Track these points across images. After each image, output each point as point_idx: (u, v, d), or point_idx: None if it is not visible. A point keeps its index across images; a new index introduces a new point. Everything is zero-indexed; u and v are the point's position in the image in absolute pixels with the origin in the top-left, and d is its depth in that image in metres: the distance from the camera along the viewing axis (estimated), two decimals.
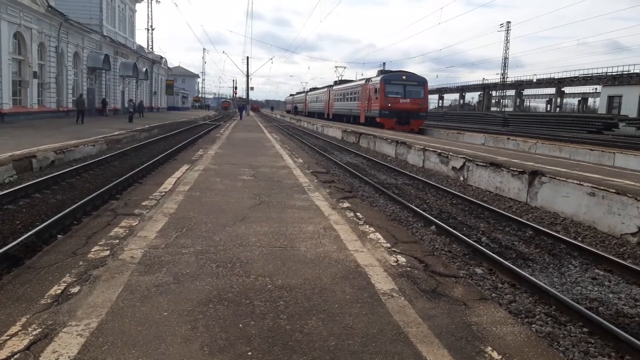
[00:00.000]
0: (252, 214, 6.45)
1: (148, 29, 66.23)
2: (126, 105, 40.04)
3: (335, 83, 53.57)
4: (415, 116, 33.69)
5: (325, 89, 55.34)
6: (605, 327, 4.32)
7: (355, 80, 47.87)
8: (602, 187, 8.46)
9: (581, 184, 8.93)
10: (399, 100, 33.19)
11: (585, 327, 4.46)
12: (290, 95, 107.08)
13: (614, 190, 8.19)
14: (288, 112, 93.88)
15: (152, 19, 68.97)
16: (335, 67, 60.51)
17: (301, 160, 13.63)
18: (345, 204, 7.60)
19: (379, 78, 34.73)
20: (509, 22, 74.70)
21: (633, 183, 9.11)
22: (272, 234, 5.53)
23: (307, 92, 73.59)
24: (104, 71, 38.42)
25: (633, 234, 7.60)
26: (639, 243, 7.43)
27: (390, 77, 34.28)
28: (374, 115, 34.50)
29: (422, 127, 35.43)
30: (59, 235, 6.41)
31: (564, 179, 9.45)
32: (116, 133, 20.72)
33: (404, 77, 34.06)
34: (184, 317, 3.32)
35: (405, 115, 33.09)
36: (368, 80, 37.72)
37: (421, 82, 34.89)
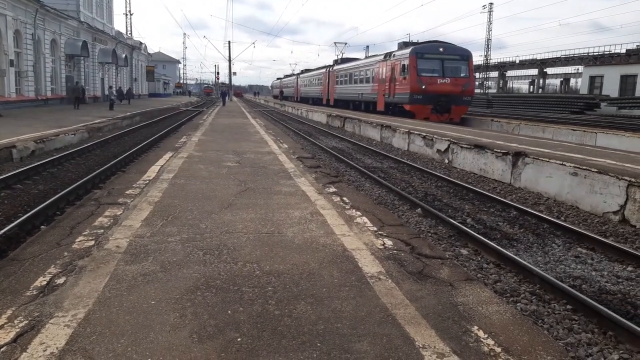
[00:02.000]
0: (238, 201, 6.43)
1: (126, 14, 64.98)
2: (106, 92, 39.35)
3: (336, 62, 45.03)
4: (457, 101, 25.34)
5: (323, 70, 46.81)
6: (588, 304, 4.40)
7: (367, 57, 39.06)
8: (584, 167, 8.58)
9: (564, 164, 9.05)
10: (436, 80, 24.81)
11: (569, 305, 4.55)
12: (278, 79, 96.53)
13: (595, 170, 8.30)
14: (275, 97, 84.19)
15: (130, 3, 67.66)
16: (335, 43, 51.44)
17: (286, 146, 13.58)
18: (332, 189, 7.60)
19: (407, 51, 25.93)
20: (491, 4, 74.52)
21: (614, 162, 9.25)
22: (258, 220, 5.52)
23: (299, 74, 64.56)
24: (82, 58, 37.67)
25: (615, 212, 7.74)
26: (620, 221, 7.57)
27: (424, 50, 25.74)
28: (401, 100, 26.26)
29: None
30: (42, 226, 6.33)
31: (547, 160, 9.56)
32: (97, 121, 20.40)
33: (441, 50, 25.67)
34: (172, 305, 3.31)
35: (445, 100, 24.83)
36: (389, 55, 28.71)
37: (464, 55, 26.29)
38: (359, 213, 6.06)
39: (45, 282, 3.60)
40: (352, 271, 4.05)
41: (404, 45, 28.58)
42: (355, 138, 20.56)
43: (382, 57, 30.06)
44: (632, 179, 7.49)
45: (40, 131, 14.82)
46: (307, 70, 61.24)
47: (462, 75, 25.65)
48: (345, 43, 50.19)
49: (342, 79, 40.05)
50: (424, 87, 24.62)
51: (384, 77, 29.13)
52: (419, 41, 28.96)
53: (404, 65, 25.85)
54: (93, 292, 3.46)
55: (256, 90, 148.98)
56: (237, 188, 7.27)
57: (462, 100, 25.71)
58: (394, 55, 27.87)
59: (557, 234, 6.96)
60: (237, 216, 5.64)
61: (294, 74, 71.18)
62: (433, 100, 24.73)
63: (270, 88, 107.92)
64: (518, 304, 4.56)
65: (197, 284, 3.67)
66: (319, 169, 9.85)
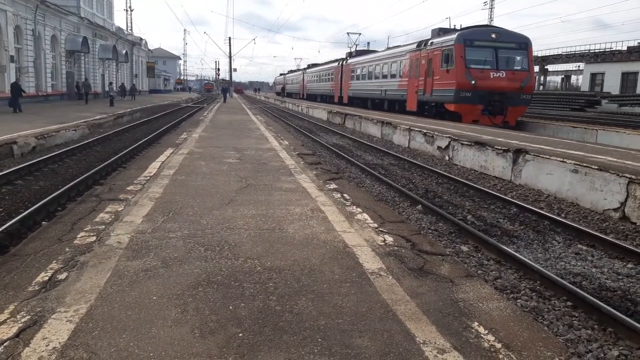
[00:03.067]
0: (238, 197, 6.44)
1: (127, 10, 64.89)
2: (106, 88, 39.32)
3: (350, 55, 39.98)
4: (514, 100, 20.42)
5: (335, 64, 42.10)
6: (588, 300, 4.41)
7: (392, 48, 32.36)
8: (584, 164, 8.58)
9: (564, 161, 9.05)
10: (489, 73, 20.11)
11: (569, 301, 4.56)
12: (281, 74, 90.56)
13: (596, 167, 8.30)
14: (278, 94, 79.49)
15: None
16: (348, 33, 48.25)
17: (287, 142, 13.58)
18: (332, 185, 7.61)
19: (451, 37, 21.18)
20: (492, 0, 74.37)
21: (615, 159, 9.25)
22: (259, 216, 5.52)
23: (305, 69, 59.41)
24: (82, 54, 37.63)
25: (615, 210, 7.74)
26: (620, 218, 7.58)
27: (474, 36, 20.94)
28: (443, 99, 21.55)
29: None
30: (43, 222, 6.33)
31: (548, 157, 9.56)
32: (98, 117, 20.40)
33: (493, 36, 20.85)
34: (174, 300, 3.32)
35: (500, 99, 20.14)
36: (424, 43, 23.99)
37: (523, 42, 21.21)
38: (359, 210, 6.07)
39: (47, 278, 3.61)
40: (352, 267, 4.06)
41: (440, 32, 24.04)
42: (356, 135, 20.56)
43: (415, 46, 25.37)
44: (633, 176, 7.49)
45: (41, 127, 14.81)
46: (314, 65, 55.16)
47: (520, 67, 20.91)
48: (360, 34, 45.88)
49: (360, 73, 34.72)
50: (474, 82, 19.82)
51: (416, 70, 24.41)
52: (462, 26, 24.59)
53: (447, 55, 20.94)
54: (95, 287, 3.47)
55: (257, 86, 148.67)
56: (238, 184, 7.28)
57: (520, 99, 20.79)
58: (432, 43, 22.98)
59: (557, 231, 6.97)
60: (238, 212, 5.65)
61: (299, 69, 65.79)
62: (485, 98, 20.09)
63: (272, 84, 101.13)
64: (518, 301, 4.57)
65: (198, 279, 3.68)
66: (319, 166, 9.85)
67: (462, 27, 24.33)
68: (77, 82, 36.00)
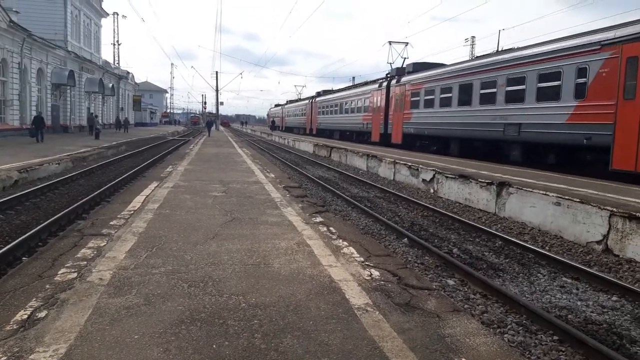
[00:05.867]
0: (223, 231, 6.39)
1: (114, 44, 65.25)
2: (93, 122, 39.26)
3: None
4: None
5: (367, 89, 30.56)
6: (574, 334, 4.41)
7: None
8: (567, 197, 8.70)
9: (547, 194, 9.16)
10: None
11: (556, 336, 4.55)
12: (277, 105, 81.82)
13: (578, 200, 8.42)
14: (273, 128, 71.22)
15: (118, 33, 68.03)
16: (389, 42, 31.57)
17: (273, 175, 13.59)
18: (318, 219, 7.60)
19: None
20: (473, 37, 76.63)
21: (596, 192, 9.40)
22: (244, 251, 5.48)
23: (313, 98, 48.13)
24: (68, 87, 37.66)
25: (598, 242, 7.82)
26: (604, 251, 7.65)
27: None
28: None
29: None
30: (23, 258, 6.20)
31: (531, 190, 9.68)
32: (82, 150, 20.28)
33: None
34: (156, 339, 3.24)
35: None
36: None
37: None
38: (345, 243, 6.05)
39: (26, 316, 3.52)
40: (339, 303, 4.02)
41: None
42: (341, 167, 20.66)
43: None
44: (614, 209, 7.61)
45: (24, 160, 14.67)
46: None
47: None
48: (407, 43, 32.39)
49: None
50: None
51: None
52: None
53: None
54: (75, 326, 3.38)
55: (243, 119, 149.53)
56: (223, 218, 7.23)
57: None
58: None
59: (542, 264, 7.00)
60: (222, 247, 5.59)
61: (300, 100, 61.22)
62: None
63: (267, 118, 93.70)
64: (505, 335, 4.55)
65: (181, 317, 3.61)
66: (305, 199, 9.86)
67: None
68: (88, 115, 37.41)
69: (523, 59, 15.58)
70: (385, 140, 27.07)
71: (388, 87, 27.11)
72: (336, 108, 37.72)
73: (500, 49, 21.34)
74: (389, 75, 28.51)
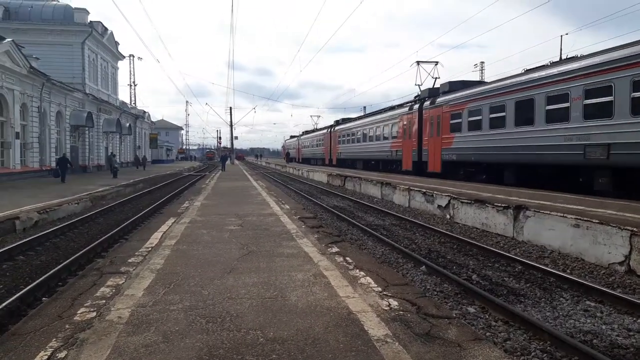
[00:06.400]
0: (240, 265, 6.40)
1: (130, 85, 67.10)
2: (111, 161, 39.99)
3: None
4: None
5: (395, 113, 28.22)
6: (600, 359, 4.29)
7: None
8: (585, 219, 8.58)
9: (565, 216, 9.05)
10: None
11: None
12: (292, 137, 77.13)
13: (597, 221, 8.30)
14: (289, 160, 68.08)
15: (134, 74, 70.03)
16: (417, 62, 28.71)
17: (288, 207, 13.64)
18: (334, 249, 7.58)
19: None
20: (482, 63, 77.09)
21: (615, 212, 9.26)
22: (261, 284, 5.47)
23: (332, 127, 44.84)
24: (87, 128, 38.53)
25: (620, 263, 7.66)
26: (626, 272, 7.49)
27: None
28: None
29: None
30: (44, 298, 6.27)
31: (548, 212, 9.57)
32: (100, 189, 20.60)
33: None
34: None
35: None
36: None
37: None
38: (362, 273, 6.02)
39: (46, 357, 3.54)
40: (357, 335, 3.98)
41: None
42: (356, 196, 20.64)
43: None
44: (635, 229, 7.48)
45: (44, 201, 14.93)
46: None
47: None
48: (437, 62, 28.78)
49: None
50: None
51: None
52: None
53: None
54: None
55: (258, 152, 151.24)
56: (239, 252, 7.25)
57: None
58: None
59: (564, 288, 6.86)
60: (239, 281, 5.60)
61: (326, 127, 53.50)
62: None
63: (283, 149, 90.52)
64: None
65: (199, 354, 3.60)
66: (321, 229, 9.85)
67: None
68: (108, 155, 38.29)
69: (607, 64, 12.77)
70: (419, 169, 24.54)
71: (420, 109, 24.59)
72: (359, 136, 35.27)
73: (562, 58, 18.64)
74: (417, 98, 26.70)
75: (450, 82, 23.25)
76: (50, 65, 33.33)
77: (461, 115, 20.29)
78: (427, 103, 24.05)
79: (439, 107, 22.40)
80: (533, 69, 16.67)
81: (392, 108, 30.76)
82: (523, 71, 17.13)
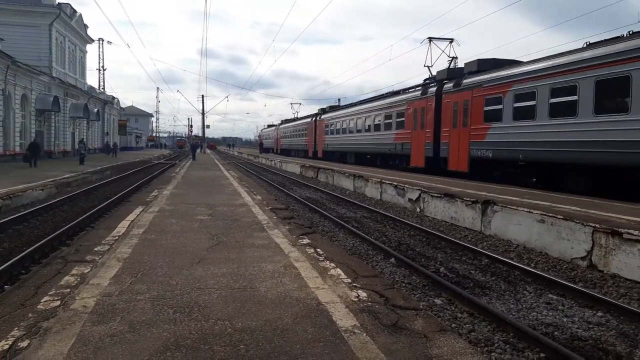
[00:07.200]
0: (209, 255, 6.35)
1: (99, 70, 65.35)
2: (76, 146, 38.99)
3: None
4: None
5: (402, 99, 23.81)
6: (561, 351, 4.43)
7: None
8: (550, 214, 8.80)
9: (531, 212, 9.27)
10: None
11: (543, 353, 4.56)
12: (269, 126, 73.18)
13: (562, 217, 8.53)
14: (263, 151, 65.03)
15: (103, 59, 68.28)
16: (429, 39, 23.63)
17: (260, 197, 13.58)
18: (305, 240, 7.59)
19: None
20: (455, 58, 77.79)
21: (579, 209, 9.53)
22: (230, 275, 5.44)
23: (317, 115, 40.80)
24: (53, 113, 37.45)
25: (582, 258, 7.90)
26: (588, 267, 7.73)
27: None
28: None
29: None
30: (6, 286, 6.10)
31: (515, 207, 9.79)
32: (66, 176, 20.09)
33: None
34: None
35: None
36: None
37: None
38: (333, 265, 6.05)
39: (7, 346, 3.45)
40: (326, 325, 4.01)
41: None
42: (328, 188, 20.69)
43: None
44: (597, 225, 7.71)
45: (7, 187, 14.49)
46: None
47: None
48: (452, 40, 24.50)
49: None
50: None
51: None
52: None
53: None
54: (58, 355, 3.32)
55: (230, 142, 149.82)
56: (209, 242, 7.19)
57: None
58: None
59: (528, 281, 7.05)
60: (208, 271, 5.55)
61: (316, 114, 44.86)
62: None
63: (259, 139, 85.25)
64: (492, 354, 4.55)
65: (166, 344, 3.56)
66: (292, 220, 9.85)
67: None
68: (79, 141, 37.12)
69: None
70: (436, 166, 20.16)
71: (439, 93, 20.06)
72: (351, 126, 30.64)
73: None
74: (427, 81, 22.52)
75: (479, 60, 18.50)
76: (15, 46, 32.24)
77: (502, 101, 15.83)
78: (448, 86, 19.51)
79: (468, 90, 17.94)
80: (631, 34, 11.80)
81: (395, 93, 25.98)
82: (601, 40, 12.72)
